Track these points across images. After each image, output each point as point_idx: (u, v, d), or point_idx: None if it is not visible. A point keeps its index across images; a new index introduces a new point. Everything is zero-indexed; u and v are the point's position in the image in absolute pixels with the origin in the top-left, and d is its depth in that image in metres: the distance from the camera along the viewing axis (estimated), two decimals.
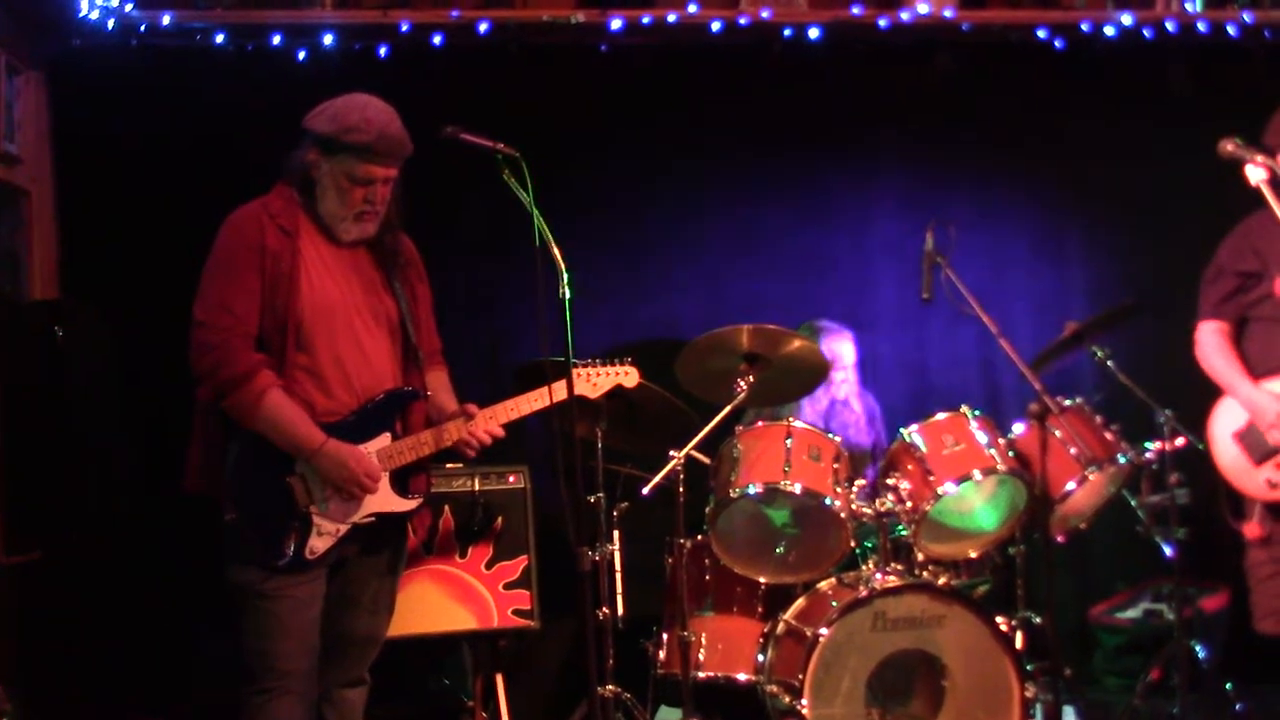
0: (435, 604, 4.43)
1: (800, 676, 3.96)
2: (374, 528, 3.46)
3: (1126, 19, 5.49)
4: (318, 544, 3.36)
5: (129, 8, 5.08)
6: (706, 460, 4.43)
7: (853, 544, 4.28)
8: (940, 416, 4.37)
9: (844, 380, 5.08)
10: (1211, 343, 4.30)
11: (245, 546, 3.34)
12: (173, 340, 3.49)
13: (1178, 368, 4.49)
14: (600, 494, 4.22)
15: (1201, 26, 5.55)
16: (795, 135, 5.65)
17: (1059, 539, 4.52)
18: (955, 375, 5.72)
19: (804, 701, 3.94)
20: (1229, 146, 3.87)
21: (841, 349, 5.05)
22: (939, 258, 4.21)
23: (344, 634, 3.54)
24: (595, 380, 3.90)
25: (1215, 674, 4.55)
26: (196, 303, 3.35)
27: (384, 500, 3.45)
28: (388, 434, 3.47)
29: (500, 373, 5.32)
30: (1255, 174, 3.82)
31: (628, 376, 3.94)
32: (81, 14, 5.02)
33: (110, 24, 5.07)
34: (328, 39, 5.22)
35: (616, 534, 4.55)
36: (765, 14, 5.36)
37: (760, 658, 4.27)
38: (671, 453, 4.15)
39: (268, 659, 3.34)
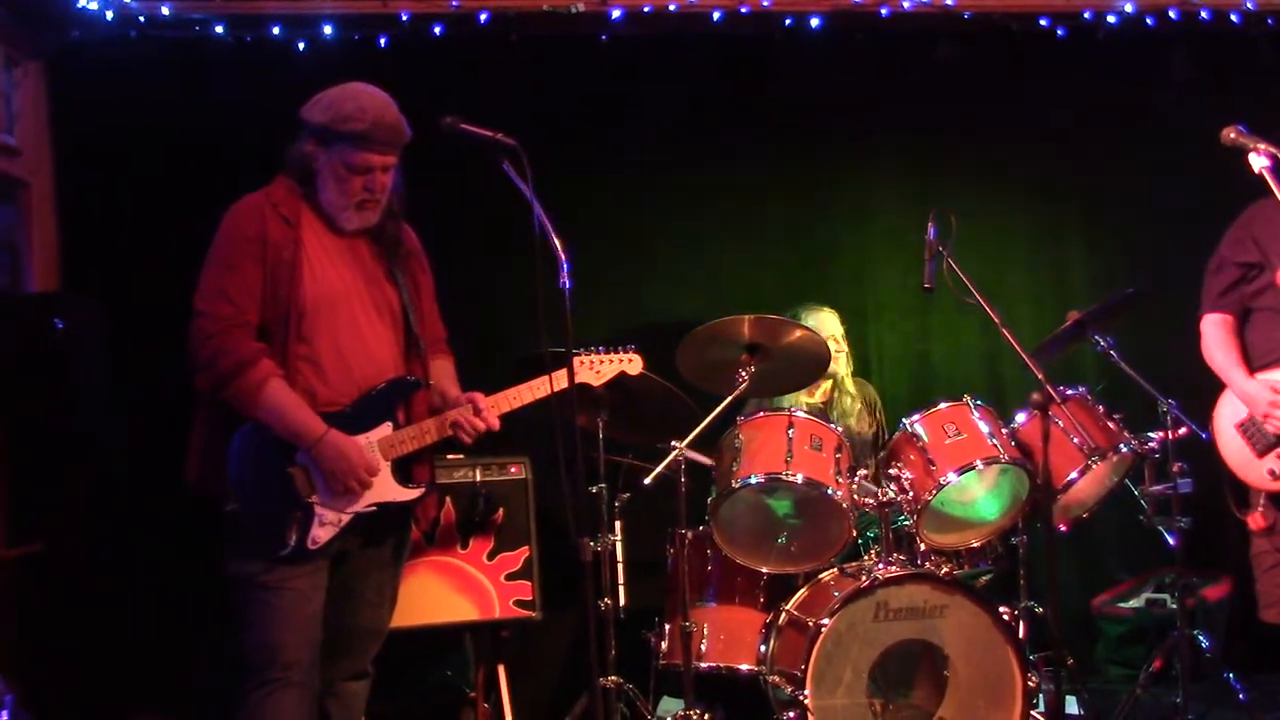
0: (437, 595, 4.44)
1: (802, 667, 3.96)
2: (376, 518, 3.45)
3: (1129, 7, 5.47)
4: (320, 534, 3.35)
5: None
6: (707, 462, 4.42)
7: (854, 534, 4.28)
8: (942, 406, 4.36)
9: (838, 351, 5.03)
10: (1214, 335, 4.31)
11: (247, 537, 3.34)
12: (173, 332, 3.48)
13: (1180, 357, 4.49)
14: (602, 485, 4.21)
15: (1204, 14, 5.54)
16: (796, 124, 5.63)
17: (1061, 528, 4.51)
18: (957, 365, 5.72)
19: (806, 692, 3.94)
20: (1232, 134, 3.86)
21: (820, 320, 5.00)
22: (941, 247, 4.20)
23: (347, 626, 3.54)
24: (599, 368, 3.90)
25: (1217, 663, 4.54)
26: (197, 293, 3.35)
27: (386, 489, 3.45)
28: (389, 423, 3.46)
29: (501, 363, 5.31)
30: (1258, 162, 3.81)
31: (631, 364, 3.94)
32: (80, 5, 4.99)
33: (109, 15, 5.05)
34: (327, 29, 5.20)
35: (618, 525, 4.56)
36: (766, 2, 5.34)
37: (762, 648, 4.27)
38: (673, 443, 4.15)
39: (270, 651, 3.33)
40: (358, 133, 3.35)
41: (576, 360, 3.79)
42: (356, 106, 3.37)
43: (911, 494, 4.24)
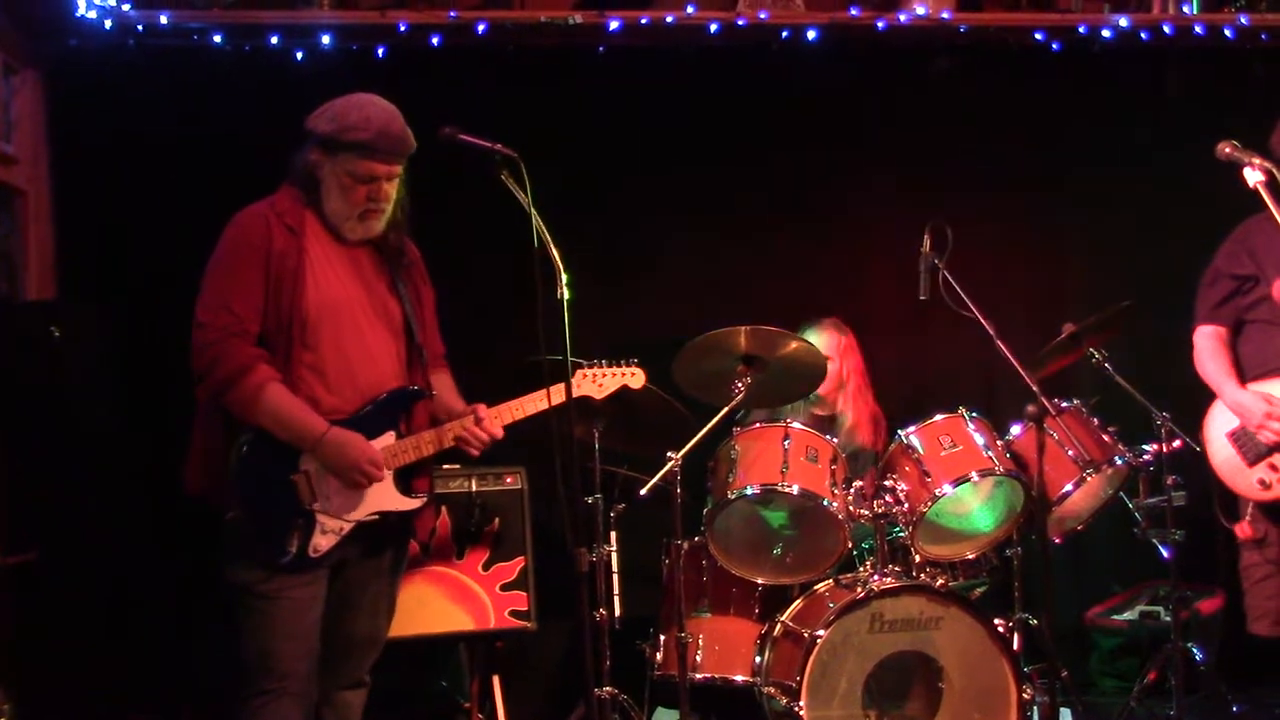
0: (432, 605, 4.43)
1: (797, 678, 3.96)
2: (377, 527, 3.46)
3: (1123, 22, 5.49)
4: (321, 542, 3.35)
5: (126, 7, 5.06)
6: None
7: (850, 545, 4.28)
8: (938, 418, 4.38)
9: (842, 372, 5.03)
10: (1206, 347, 4.32)
11: (247, 545, 3.34)
12: (170, 340, 3.49)
13: (1175, 370, 4.51)
14: (597, 495, 4.22)
15: (1198, 29, 5.55)
16: (793, 136, 5.65)
17: (1056, 540, 4.52)
18: (952, 377, 5.72)
19: (801, 703, 3.94)
20: (1227, 149, 3.89)
21: (820, 339, 5.01)
22: (936, 259, 4.22)
23: (345, 636, 3.54)
24: (601, 381, 3.91)
25: (1211, 676, 4.55)
26: (199, 302, 3.36)
27: (387, 498, 3.45)
28: (392, 433, 3.47)
29: (500, 374, 5.31)
30: (1253, 176, 3.84)
31: (634, 377, 3.95)
32: (79, 13, 5.00)
33: (108, 23, 5.05)
34: (325, 39, 5.20)
35: (613, 535, 4.56)
36: (763, 15, 5.35)
37: (757, 659, 4.27)
38: (669, 454, 4.15)
39: (268, 660, 3.33)
40: (363, 142, 3.37)
41: (579, 373, 3.80)
42: (362, 116, 3.38)
43: (907, 505, 4.25)
